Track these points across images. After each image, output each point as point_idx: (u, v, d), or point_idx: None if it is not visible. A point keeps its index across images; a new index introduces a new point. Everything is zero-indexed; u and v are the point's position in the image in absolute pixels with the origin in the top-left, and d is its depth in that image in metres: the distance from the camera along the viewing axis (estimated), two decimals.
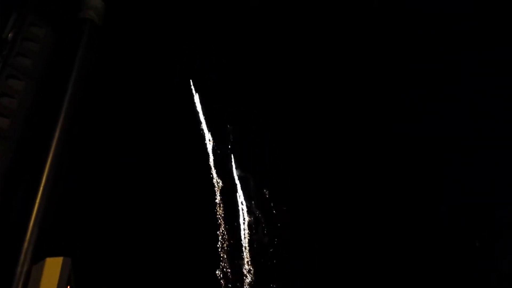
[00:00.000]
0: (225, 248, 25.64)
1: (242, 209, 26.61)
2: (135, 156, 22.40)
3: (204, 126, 27.18)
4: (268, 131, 26.33)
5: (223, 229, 25.93)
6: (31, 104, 4.83)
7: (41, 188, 4.38)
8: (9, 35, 4.83)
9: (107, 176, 20.76)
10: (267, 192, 26.92)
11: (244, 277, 25.41)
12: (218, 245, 25.62)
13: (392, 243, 23.00)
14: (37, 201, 4.32)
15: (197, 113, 27.22)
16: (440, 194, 22.92)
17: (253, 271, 25.61)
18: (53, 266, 4.07)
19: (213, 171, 26.92)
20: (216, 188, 26.65)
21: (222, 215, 26.22)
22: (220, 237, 25.77)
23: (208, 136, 27.24)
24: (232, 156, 27.52)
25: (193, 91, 27.03)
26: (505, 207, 21.74)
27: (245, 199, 26.75)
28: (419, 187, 23.41)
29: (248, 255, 25.93)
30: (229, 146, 27.47)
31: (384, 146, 24.80)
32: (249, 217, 26.65)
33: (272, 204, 26.66)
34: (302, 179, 25.94)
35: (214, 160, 27.11)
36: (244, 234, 26.34)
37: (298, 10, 25.20)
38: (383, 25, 24.40)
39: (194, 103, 26.98)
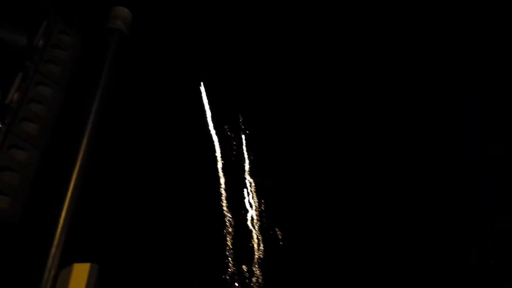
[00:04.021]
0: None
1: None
2: (157, 160, 22.60)
3: (212, 128, 27.12)
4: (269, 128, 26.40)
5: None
6: (59, 111, 4.89)
7: (69, 194, 4.41)
8: (40, 42, 4.92)
9: (133, 181, 21.00)
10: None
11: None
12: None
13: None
14: (65, 206, 4.35)
15: (205, 114, 27.12)
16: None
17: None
18: (80, 272, 4.06)
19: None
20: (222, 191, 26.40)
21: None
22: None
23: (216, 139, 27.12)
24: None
25: (201, 89, 27.01)
26: None
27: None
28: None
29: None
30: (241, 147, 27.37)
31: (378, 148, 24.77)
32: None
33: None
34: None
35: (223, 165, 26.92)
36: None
37: (298, 10, 25.41)
38: (383, 25, 24.50)
39: (202, 103, 26.98)
